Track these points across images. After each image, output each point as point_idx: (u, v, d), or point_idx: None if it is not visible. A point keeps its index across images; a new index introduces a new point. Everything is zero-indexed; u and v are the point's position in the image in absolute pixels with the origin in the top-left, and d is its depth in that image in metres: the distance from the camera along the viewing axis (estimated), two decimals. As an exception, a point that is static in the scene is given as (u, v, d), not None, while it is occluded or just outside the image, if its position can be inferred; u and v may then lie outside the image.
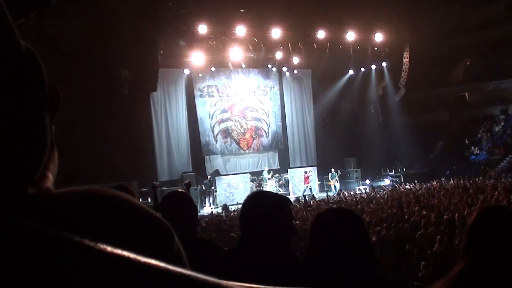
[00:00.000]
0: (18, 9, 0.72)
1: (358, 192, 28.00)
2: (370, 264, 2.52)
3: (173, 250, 0.78)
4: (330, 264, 2.45)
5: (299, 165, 34.39)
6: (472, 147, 35.78)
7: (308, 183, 30.54)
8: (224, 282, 0.60)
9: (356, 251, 2.48)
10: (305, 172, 30.89)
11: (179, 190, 4.30)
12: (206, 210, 25.61)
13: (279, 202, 3.09)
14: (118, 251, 0.57)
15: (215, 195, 27.83)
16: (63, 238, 0.55)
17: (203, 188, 27.76)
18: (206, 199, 27.67)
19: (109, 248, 0.56)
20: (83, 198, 0.77)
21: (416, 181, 28.26)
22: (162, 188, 26.24)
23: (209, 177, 29.15)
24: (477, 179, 26.31)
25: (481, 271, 2.38)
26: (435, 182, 27.16)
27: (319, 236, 2.55)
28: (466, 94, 41.63)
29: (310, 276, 2.54)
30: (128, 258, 0.57)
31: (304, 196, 26.90)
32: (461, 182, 25.22)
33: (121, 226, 0.74)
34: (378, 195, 23.64)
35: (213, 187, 27.98)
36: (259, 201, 3.09)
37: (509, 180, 23.95)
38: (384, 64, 35.62)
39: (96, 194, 0.78)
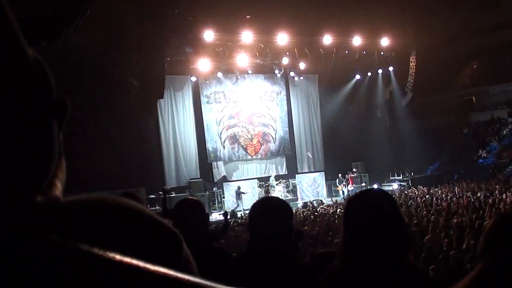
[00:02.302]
0: (31, 36, 0.72)
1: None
2: (402, 249, 2.53)
3: (181, 258, 0.78)
4: (364, 247, 2.46)
5: (306, 171, 34.37)
6: (480, 151, 35.68)
7: (352, 184, 30.92)
8: None
9: (390, 233, 2.48)
10: (349, 173, 31.68)
11: (191, 197, 4.31)
12: (214, 216, 25.64)
13: (286, 208, 3.09)
14: (127, 260, 0.57)
15: (223, 201, 27.81)
16: (71, 247, 0.55)
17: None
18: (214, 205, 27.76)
19: (118, 257, 0.56)
20: (91, 206, 0.77)
21: (424, 185, 28.19)
22: (170, 195, 26.32)
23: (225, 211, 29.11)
24: (485, 182, 26.21)
25: (499, 275, 2.38)
26: (443, 186, 27.09)
27: (353, 220, 2.56)
28: (473, 97, 41.56)
29: (346, 260, 2.54)
30: (137, 267, 0.57)
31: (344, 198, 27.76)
32: (469, 185, 25.16)
33: (129, 235, 0.74)
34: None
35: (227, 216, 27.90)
36: (266, 207, 3.09)
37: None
38: (390, 68, 35.53)
39: (104, 202, 0.78)
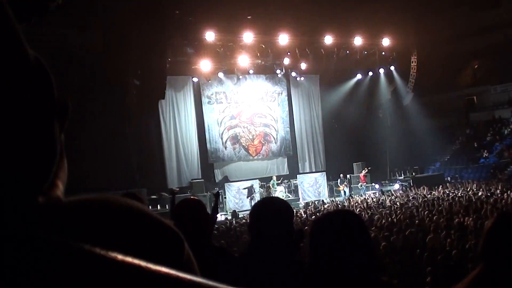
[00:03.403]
0: (19, 14, 0.72)
1: (367, 197, 27.97)
2: (373, 270, 2.52)
3: (183, 258, 0.78)
4: (332, 270, 2.45)
5: (308, 171, 34.35)
6: (481, 150, 35.66)
7: (364, 182, 31.37)
8: None
9: (357, 255, 2.47)
10: (362, 171, 32.06)
11: (192, 197, 4.31)
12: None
13: (287, 208, 3.09)
14: (129, 259, 0.57)
15: (224, 202, 27.78)
16: (73, 247, 0.56)
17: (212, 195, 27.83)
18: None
19: (120, 256, 0.57)
20: (93, 206, 0.77)
21: (425, 185, 28.17)
22: (174, 190, 26.26)
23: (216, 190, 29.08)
24: (487, 182, 26.20)
25: (499, 275, 2.38)
26: (444, 186, 27.07)
27: (318, 241, 2.55)
28: (475, 97, 41.53)
29: (313, 281, 2.54)
30: (139, 266, 0.57)
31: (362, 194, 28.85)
32: (471, 185, 25.16)
33: (131, 235, 0.74)
34: (388, 200, 23.57)
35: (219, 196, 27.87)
36: (268, 207, 3.09)
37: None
38: (392, 68, 35.51)
39: (106, 202, 0.78)
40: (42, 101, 0.69)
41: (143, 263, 0.57)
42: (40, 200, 0.67)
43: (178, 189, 16.97)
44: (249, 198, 27.62)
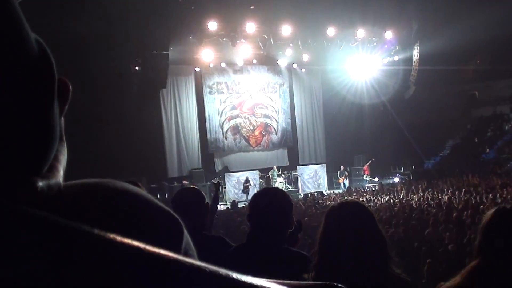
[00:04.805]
0: None
1: (367, 189, 28.07)
2: (384, 261, 2.53)
3: (182, 243, 0.78)
4: (343, 260, 2.46)
5: (308, 163, 34.37)
6: (482, 146, 35.69)
7: (368, 174, 31.83)
8: (234, 273, 0.60)
9: (370, 246, 2.49)
10: (366, 164, 32.57)
11: (192, 186, 4.32)
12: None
13: (286, 199, 3.10)
14: (128, 241, 0.57)
15: (224, 192, 27.80)
16: (72, 227, 0.55)
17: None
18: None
19: (118, 238, 0.57)
20: (93, 190, 0.77)
21: (425, 179, 28.21)
22: (172, 185, 26.35)
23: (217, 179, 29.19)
24: (486, 177, 26.21)
25: (495, 269, 2.39)
26: (444, 180, 27.09)
27: (332, 231, 2.56)
28: (476, 92, 41.52)
29: (322, 271, 2.54)
30: (138, 248, 0.57)
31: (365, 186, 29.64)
32: (471, 180, 25.17)
33: (130, 219, 0.74)
34: (387, 193, 23.60)
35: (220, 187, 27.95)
36: (267, 198, 3.10)
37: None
38: (395, 59, 35.39)
39: (106, 186, 0.78)
40: (43, 83, 0.69)
41: (142, 245, 0.57)
42: (39, 183, 0.67)
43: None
44: (245, 193, 27.72)
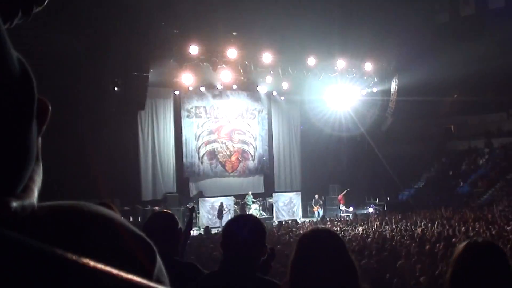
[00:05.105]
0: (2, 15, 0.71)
1: (341, 219, 28.10)
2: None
3: (154, 269, 0.78)
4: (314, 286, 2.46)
5: (283, 190, 34.35)
6: (457, 179, 35.98)
7: (343, 203, 31.96)
8: None
9: (341, 276, 2.49)
10: (341, 193, 32.65)
11: (165, 211, 4.29)
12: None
13: (260, 226, 3.09)
14: (100, 266, 0.56)
15: (198, 217, 27.60)
16: (45, 251, 0.55)
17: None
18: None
19: (90, 263, 0.56)
20: (67, 212, 0.76)
21: (399, 210, 28.31)
22: (146, 208, 26.18)
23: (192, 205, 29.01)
24: (460, 210, 26.39)
25: None
26: (418, 212, 27.21)
27: (303, 257, 2.55)
28: (452, 126, 41.97)
29: None
30: (110, 273, 0.56)
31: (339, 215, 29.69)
32: (444, 213, 25.32)
33: (104, 243, 0.73)
34: (361, 224, 23.66)
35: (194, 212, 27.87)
36: (241, 225, 3.09)
37: (491, 213, 24.03)
38: (373, 92, 35.63)
39: (80, 209, 0.78)
40: (22, 102, 0.68)
41: (114, 271, 0.57)
42: (13, 203, 0.66)
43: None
44: (219, 218, 27.60)
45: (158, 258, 0.80)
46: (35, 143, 0.73)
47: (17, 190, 0.70)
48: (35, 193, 0.74)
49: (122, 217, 0.85)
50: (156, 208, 17.00)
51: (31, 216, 0.70)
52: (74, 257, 0.55)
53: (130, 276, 0.57)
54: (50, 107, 0.78)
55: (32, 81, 0.71)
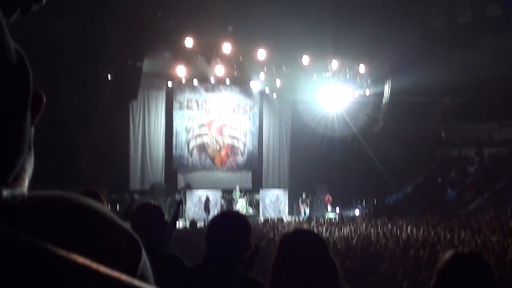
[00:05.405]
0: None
1: (327, 219, 28.12)
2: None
3: (139, 264, 0.77)
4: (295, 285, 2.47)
5: (271, 187, 34.36)
6: (445, 186, 36.05)
7: (329, 203, 32.37)
8: None
9: (321, 277, 2.49)
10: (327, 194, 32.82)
11: (151, 203, 4.29)
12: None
13: (245, 223, 3.10)
14: (82, 260, 0.56)
15: (184, 209, 27.58)
16: (36, 246, 0.55)
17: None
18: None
19: (73, 256, 0.56)
20: (56, 203, 0.76)
21: (385, 214, 28.35)
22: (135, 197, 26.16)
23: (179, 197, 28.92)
24: (446, 218, 26.44)
25: None
26: (404, 218, 27.26)
27: (285, 257, 2.56)
28: (443, 132, 42.03)
29: None
30: (91, 268, 0.56)
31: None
32: (430, 220, 25.37)
33: (89, 236, 0.73)
34: (346, 225, 23.68)
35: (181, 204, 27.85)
36: (226, 221, 3.09)
37: (477, 222, 24.09)
38: (366, 94, 35.67)
39: (69, 201, 0.77)
40: (18, 93, 0.68)
41: (96, 266, 0.56)
42: (3, 192, 0.66)
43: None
44: (206, 211, 27.56)
45: (144, 252, 0.80)
46: (29, 133, 0.73)
47: (9, 179, 0.70)
48: (26, 182, 0.74)
49: (108, 208, 0.85)
50: (136, 197, 17.08)
51: (20, 205, 0.70)
52: (56, 250, 0.55)
53: (112, 272, 0.57)
54: (44, 99, 0.78)
55: (28, 71, 0.71)
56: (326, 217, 29.99)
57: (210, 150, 32.93)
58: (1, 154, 0.67)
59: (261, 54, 28.62)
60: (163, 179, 30.64)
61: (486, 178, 35.25)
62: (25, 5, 0.77)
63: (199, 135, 32.60)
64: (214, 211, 25.41)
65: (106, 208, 0.83)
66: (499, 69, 35.66)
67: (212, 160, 33.10)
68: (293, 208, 32.56)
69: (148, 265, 0.81)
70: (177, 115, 31.88)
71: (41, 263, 0.53)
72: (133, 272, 0.60)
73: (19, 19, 0.80)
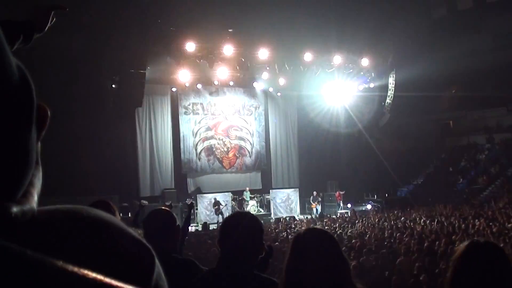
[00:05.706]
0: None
1: (339, 215, 28.05)
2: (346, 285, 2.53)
3: (153, 275, 0.76)
4: (308, 285, 2.46)
5: (281, 187, 34.34)
6: (456, 175, 35.92)
7: (340, 200, 32.09)
8: None
9: (334, 276, 2.48)
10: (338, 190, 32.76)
11: (163, 208, 4.28)
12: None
13: (257, 224, 3.08)
14: (93, 276, 0.55)
15: (196, 213, 27.64)
16: (46, 263, 0.54)
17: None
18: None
19: (84, 272, 0.55)
20: (66, 217, 0.75)
21: (398, 207, 28.29)
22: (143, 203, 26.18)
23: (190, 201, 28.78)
24: (459, 207, 26.36)
25: None
26: (417, 209, 27.18)
27: (298, 257, 2.55)
28: (451, 122, 41.92)
29: None
30: (110, 286, 0.55)
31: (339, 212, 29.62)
32: (443, 210, 25.29)
33: (102, 249, 0.72)
34: (359, 220, 23.61)
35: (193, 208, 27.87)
36: (238, 222, 3.08)
37: (491, 210, 23.99)
38: (370, 87, 35.60)
39: (79, 214, 0.76)
40: (21, 109, 0.68)
41: (113, 282, 0.55)
42: (13, 208, 0.65)
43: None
44: (217, 214, 27.55)
45: (157, 262, 0.79)
46: (35, 148, 0.72)
47: (18, 195, 0.69)
48: (35, 198, 0.73)
49: (118, 215, 0.84)
50: (144, 202, 17.13)
51: (31, 221, 0.69)
52: (66, 266, 0.54)
53: (125, 286, 0.55)
54: (49, 113, 0.77)
55: (31, 87, 0.70)
56: (338, 213, 29.89)
57: (218, 153, 32.99)
58: (8, 172, 0.66)
59: (263, 53, 28.62)
60: (173, 184, 30.67)
61: (497, 165, 35.10)
62: (28, 33, 0.77)
63: (206, 138, 32.66)
64: (226, 213, 25.42)
65: (116, 219, 0.82)
66: (502, 53, 35.58)
67: (221, 162, 33.14)
68: (304, 207, 32.51)
69: (162, 274, 0.80)
70: (183, 120, 31.95)
71: (51, 281, 0.53)
72: (147, 283, 0.59)
73: (22, 47, 0.79)
